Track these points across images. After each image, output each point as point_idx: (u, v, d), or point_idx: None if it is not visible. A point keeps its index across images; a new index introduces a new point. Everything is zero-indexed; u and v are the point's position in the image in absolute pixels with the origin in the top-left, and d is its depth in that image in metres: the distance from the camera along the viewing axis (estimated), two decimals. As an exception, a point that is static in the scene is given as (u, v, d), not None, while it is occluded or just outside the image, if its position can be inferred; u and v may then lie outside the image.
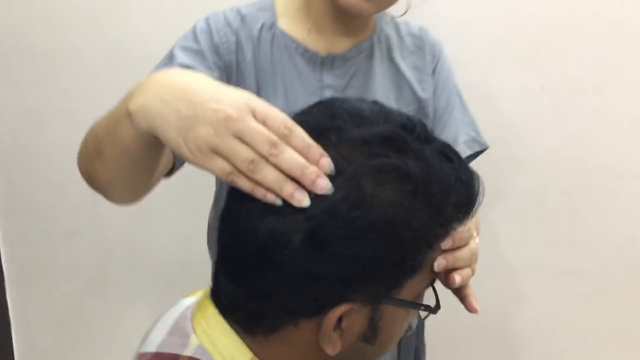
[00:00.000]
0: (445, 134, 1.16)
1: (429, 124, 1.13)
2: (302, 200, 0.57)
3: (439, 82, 1.17)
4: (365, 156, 0.59)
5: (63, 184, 1.83)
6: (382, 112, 0.65)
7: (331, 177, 0.58)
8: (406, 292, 0.63)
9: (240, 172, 0.58)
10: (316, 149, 0.59)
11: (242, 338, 0.65)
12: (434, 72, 1.16)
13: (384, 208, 0.58)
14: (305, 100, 1.05)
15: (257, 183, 0.58)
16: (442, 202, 0.61)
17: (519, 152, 1.69)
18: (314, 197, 0.57)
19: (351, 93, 1.08)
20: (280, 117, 0.59)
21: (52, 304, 1.98)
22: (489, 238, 1.74)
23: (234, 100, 0.59)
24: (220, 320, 0.66)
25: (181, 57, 1.01)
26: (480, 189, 0.64)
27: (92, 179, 0.86)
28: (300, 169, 0.57)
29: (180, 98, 0.60)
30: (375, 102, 0.66)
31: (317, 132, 0.60)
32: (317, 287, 0.59)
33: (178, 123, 0.60)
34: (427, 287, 0.67)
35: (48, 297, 1.98)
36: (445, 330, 1.73)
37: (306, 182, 0.57)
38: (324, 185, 0.57)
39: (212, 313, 0.67)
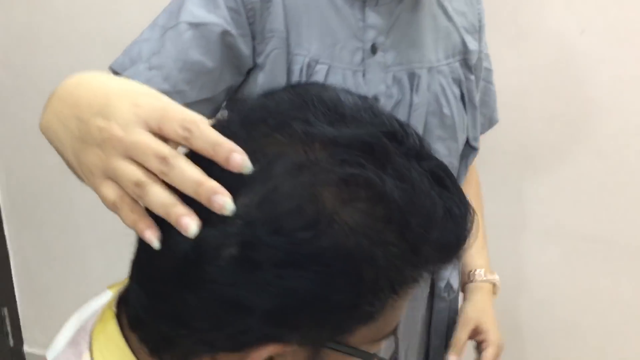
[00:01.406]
0: (484, 108, 1.10)
1: (470, 82, 1.04)
2: (188, 227, 0.46)
3: (482, 41, 1.08)
4: (333, 161, 0.47)
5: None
6: (368, 111, 0.52)
7: (282, 179, 0.46)
8: (358, 339, 0.51)
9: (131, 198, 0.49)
10: (224, 146, 0.47)
11: None
12: (479, 29, 1.07)
13: (343, 233, 0.46)
14: (344, 43, 0.94)
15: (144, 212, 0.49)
16: (421, 238, 0.48)
17: (550, 104, 1.52)
18: (249, 201, 0.46)
19: (396, 36, 0.96)
20: (177, 118, 0.49)
21: (49, 239, 1.95)
22: (510, 196, 1.62)
23: (122, 112, 0.50)
24: (120, 341, 0.54)
25: (190, 4, 0.90)
26: (473, 228, 0.52)
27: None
28: (193, 187, 0.47)
29: (72, 116, 0.54)
30: (365, 99, 0.54)
31: (279, 121, 0.49)
32: (243, 319, 0.47)
33: (72, 145, 0.54)
34: (386, 337, 0.54)
35: (45, 231, 1.95)
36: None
37: (203, 202, 0.46)
38: (221, 205, 0.46)
39: (112, 329, 0.56)
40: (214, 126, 0.50)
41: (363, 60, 0.94)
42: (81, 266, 1.96)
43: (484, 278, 1.15)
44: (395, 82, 0.96)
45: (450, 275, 1.10)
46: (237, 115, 0.52)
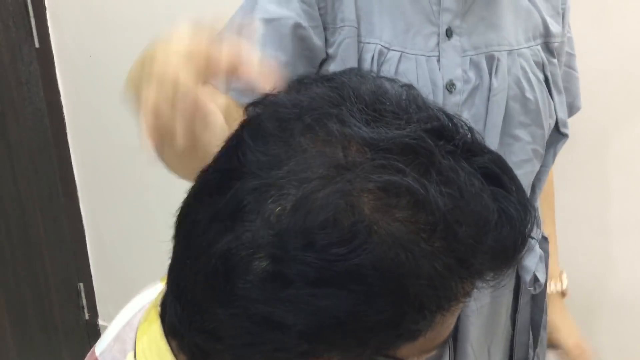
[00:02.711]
0: (565, 94, 1.02)
1: (554, 66, 0.98)
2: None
3: (565, 24, 1.01)
4: (371, 166, 0.43)
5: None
6: (412, 104, 0.47)
7: (317, 185, 0.42)
8: (404, 351, 0.47)
9: None
10: None
11: None
12: (563, 12, 1.01)
13: (381, 248, 0.41)
14: (418, 28, 0.91)
15: None
16: (471, 248, 0.44)
17: (636, 89, 1.42)
18: (281, 209, 0.42)
19: (472, 19, 0.93)
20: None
21: (123, 217, 1.99)
22: (591, 189, 1.52)
23: None
24: (162, 344, 0.53)
25: (263, 0, 0.90)
26: (532, 229, 0.47)
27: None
28: None
29: None
30: (410, 88, 0.49)
31: (314, 119, 0.45)
32: (277, 336, 0.44)
33: None
34: (437, 347, 0.50)
35: (119, 209, 1.99)
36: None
37: None
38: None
39: (155, 331, 0.54)
40: (244, 123, 0.49)
41: (438, 44, 0.91)
42: (154, 244, 1.99)
43: (551, 289, 1.13)
44: (472, 66, 0.92)
45: (537, 268, 1.04)
46: (269, 111, 0.48)
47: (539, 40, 0.97)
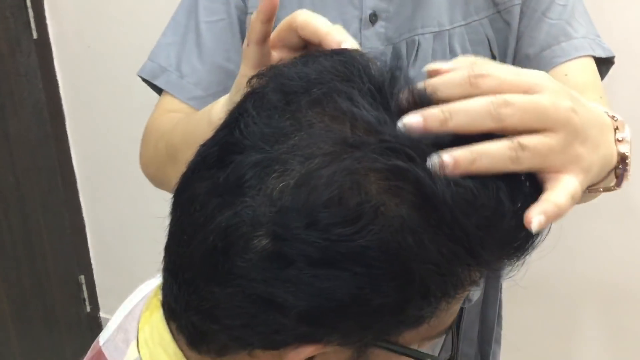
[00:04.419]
0: (542, 29, 0.84)
1: (510, 38, 0.85)
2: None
3: None
4: (380, 148, 0.41)
5: (128, 85, 1.77)
6: (425, 98, 0.45)
7: (323, 160, 0.40)
8: (407, 338, 0.46)
9: None
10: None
11: (187, 357, 0.50)
12: None
13: (388, 230, 0.40)
14: (338, 11, 0.84)
15: None
16: (480, 240, 0.42)
17: None
18: (284, 185, 0.40)
19: (401, 2, 0.83)
20: None
21: (123, 210, 1.99)
22: None
23: None
24: (164, 331, 0.51)
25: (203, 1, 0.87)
26: None
27: (162, 182, 0.83)
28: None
29: None
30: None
31: (323, 92, 0.43)
32: (276, 317, 0.42)
33: None
34: (441, 334, 0.49)
35: (118, 202, 1.98)
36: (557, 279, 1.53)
37: None
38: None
39: (157, 319, 0.53)
40: (248, 94, 0.47)
41: (360, 31, 0.83)
42: (154, 235, 1.99)
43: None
44: (394, 54, 0.81)
45: None
46: (274, 83, 0.45)
47: (483, 13, 0.85)
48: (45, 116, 1.90)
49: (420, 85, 0.44)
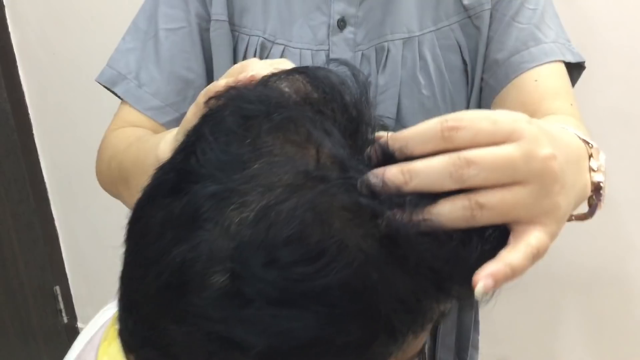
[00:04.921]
0: (511, 34, 0.82)
1: (480, 43, 0.83)
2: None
3: None
4: (345, 181, 0.39)
5: (96, 91, 1.73)
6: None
7: (285, 192, 0.38)
8: None
9: None
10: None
11: None
12: None
13: (354, 265, 0.37)
14: (305, 17, 0.81)
15: None
16: (449, 275, 0.40)
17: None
18: (242, 219, 0.38)
19: (370, 6, 0.80)
20: None
21: (96, 219, 1.96)
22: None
23: None
24: None
25: (163, 5, 0.85)
26: None
27: (117, 197, 0.83)
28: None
29: None
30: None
31: (285, 117, 0.40)
32: (236, 356, 0.40)
33: None
34: (412, 359, 0.46)
35: (91, 212, 1.95)
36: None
37: None
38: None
39: (115, 351, 0.50)
40: (205, 118, 0.44)
41: (328, 37, 0.81)
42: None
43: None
44: (364, 60, 0.81)
45: None
46: (232, 105, 0.43)
47: (454, 19, 0.82)
48: (12, 125, 1.85)
49: (383, 135, 0.41)
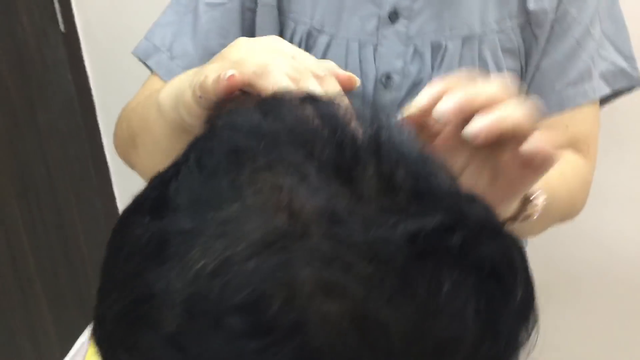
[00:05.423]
0: (576, 63, 0.78)
1: (534, 52, 0.78)
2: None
3: None
4: (319, 249, 0.33)
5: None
6: (407, 178, 0.37)
7: (251, 246, 0.33)
8: None
9: None
10: None
11: None
12: None
13: (309, 350, 0.32)
14: (355, 6, 0.77)
15: None
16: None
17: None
18: (201, 267, 0.34)
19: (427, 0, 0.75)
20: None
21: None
22: None
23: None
24: None
25: None
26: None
27: (128, 163, 0.80)
28: None
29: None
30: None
31: (269, 160, 0.36)
32: None
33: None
34: None
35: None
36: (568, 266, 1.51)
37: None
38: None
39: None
40: (197, 140, 0.41)
41: (377, 29, 0.76)
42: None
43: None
44: (417, 56, 0.76)
45: None
46: (225, 134, 0.39)
47: (517, 21, 0.77)
48: (76, 108, 1.89)
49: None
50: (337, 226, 0.33)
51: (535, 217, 0.58)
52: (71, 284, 2.01)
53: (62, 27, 1.79)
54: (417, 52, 0.76)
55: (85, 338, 0.56)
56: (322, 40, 0.77)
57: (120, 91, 1.91)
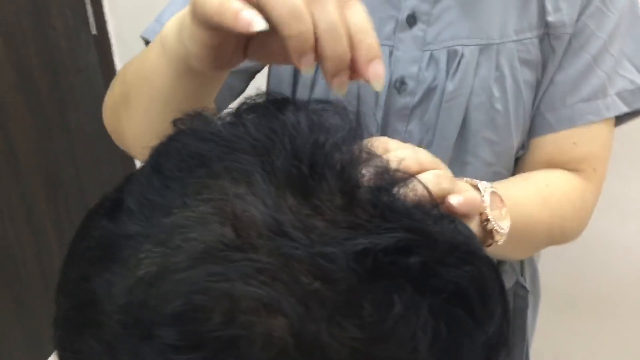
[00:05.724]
0: (591, 79, 0.76)
1: (550, 65, 0.76)
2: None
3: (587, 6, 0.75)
4: (257, 264, 0.31)
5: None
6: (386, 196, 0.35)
7: (183, 257, 0.32)
8: None
9: None
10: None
11: None
12: None
13: None
14: (372, 8, 0.72)
15: None
16: None
17: None
18: (142, 274, 0.33)
19: (446, 5, 0.74)
20: None
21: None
22: None
23: None
24: None
25: None
26: None
27: (116, 133, 0.74)
28: None
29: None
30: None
31: (222, 167, 0.35)
32: None
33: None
34: None
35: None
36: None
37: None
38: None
39: None
40: (162, 142, 0.39)
41: (394, 32, 0.74)
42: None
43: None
44: (432, 62, 0.74)
45: None
46: (185, 139, 0.37)
47: (536, 32, 0.75)
48: (106, 111, 1.90)
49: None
50: (283, 239, 0.31)
51: (500, 242, 0.57)
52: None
53: (94, 30, 1.81)
54: (432, 58, 0.74)
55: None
56: None
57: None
